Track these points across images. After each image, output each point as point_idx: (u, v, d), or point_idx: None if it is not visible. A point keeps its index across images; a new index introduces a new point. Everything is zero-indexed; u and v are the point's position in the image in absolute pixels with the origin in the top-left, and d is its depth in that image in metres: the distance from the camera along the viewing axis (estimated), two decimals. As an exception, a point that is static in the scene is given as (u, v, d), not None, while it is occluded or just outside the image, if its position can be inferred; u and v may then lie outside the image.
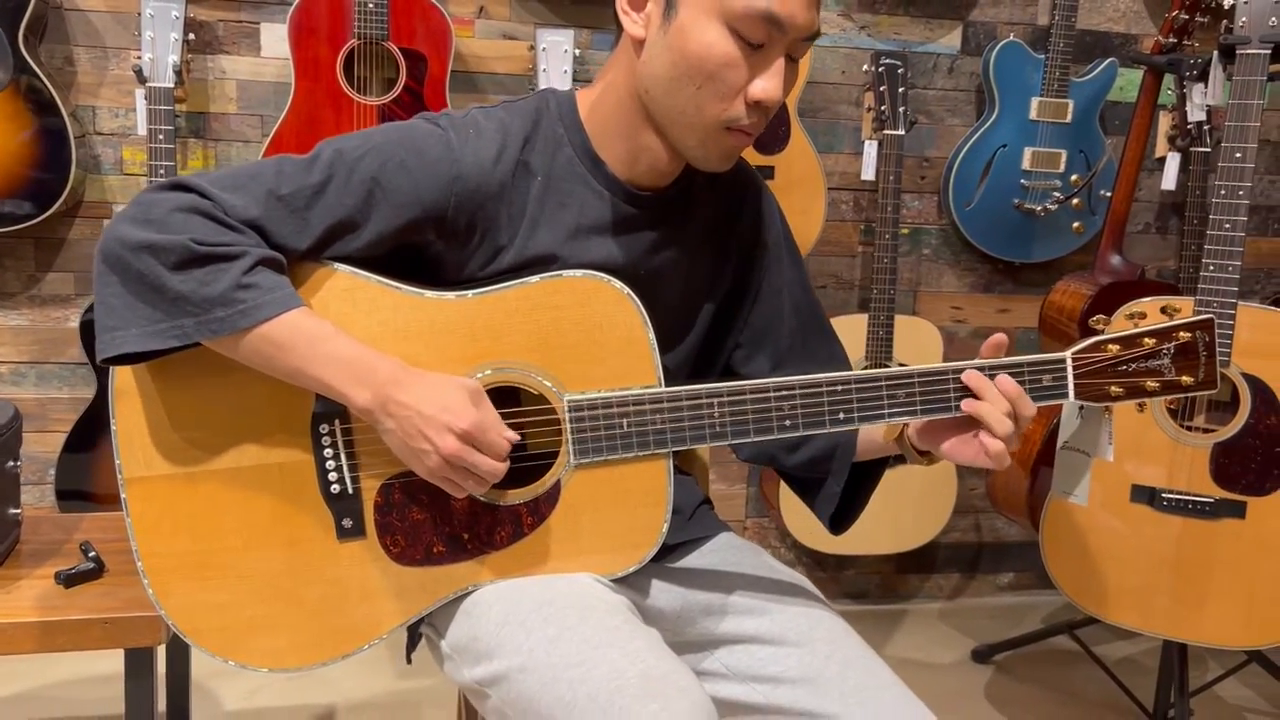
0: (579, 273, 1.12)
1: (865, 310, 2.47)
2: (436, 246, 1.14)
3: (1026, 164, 2.55)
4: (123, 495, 1.09)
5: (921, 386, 1.11)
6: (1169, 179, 2.55)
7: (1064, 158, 2.55)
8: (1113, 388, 1.13)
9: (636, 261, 1.20)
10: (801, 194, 2.42)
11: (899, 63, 2.38)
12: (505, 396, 1.12)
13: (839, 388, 1.11)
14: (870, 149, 2.46)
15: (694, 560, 1.28)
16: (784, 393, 1.11)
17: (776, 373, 1.31)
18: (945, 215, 2.65)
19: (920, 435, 1.15)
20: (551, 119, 1.18)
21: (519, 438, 1.07)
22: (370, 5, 2.16)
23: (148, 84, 2.09)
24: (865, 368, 2.50)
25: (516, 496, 1.12)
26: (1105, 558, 1.90)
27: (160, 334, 1.02)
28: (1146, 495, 1.87)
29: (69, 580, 1.36)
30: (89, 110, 2.26)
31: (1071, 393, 1.12)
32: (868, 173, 2.47)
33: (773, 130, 2.38)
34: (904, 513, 2.53)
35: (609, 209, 1.18)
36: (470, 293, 1.11)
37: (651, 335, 1.12)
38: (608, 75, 1.16)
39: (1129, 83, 2.66)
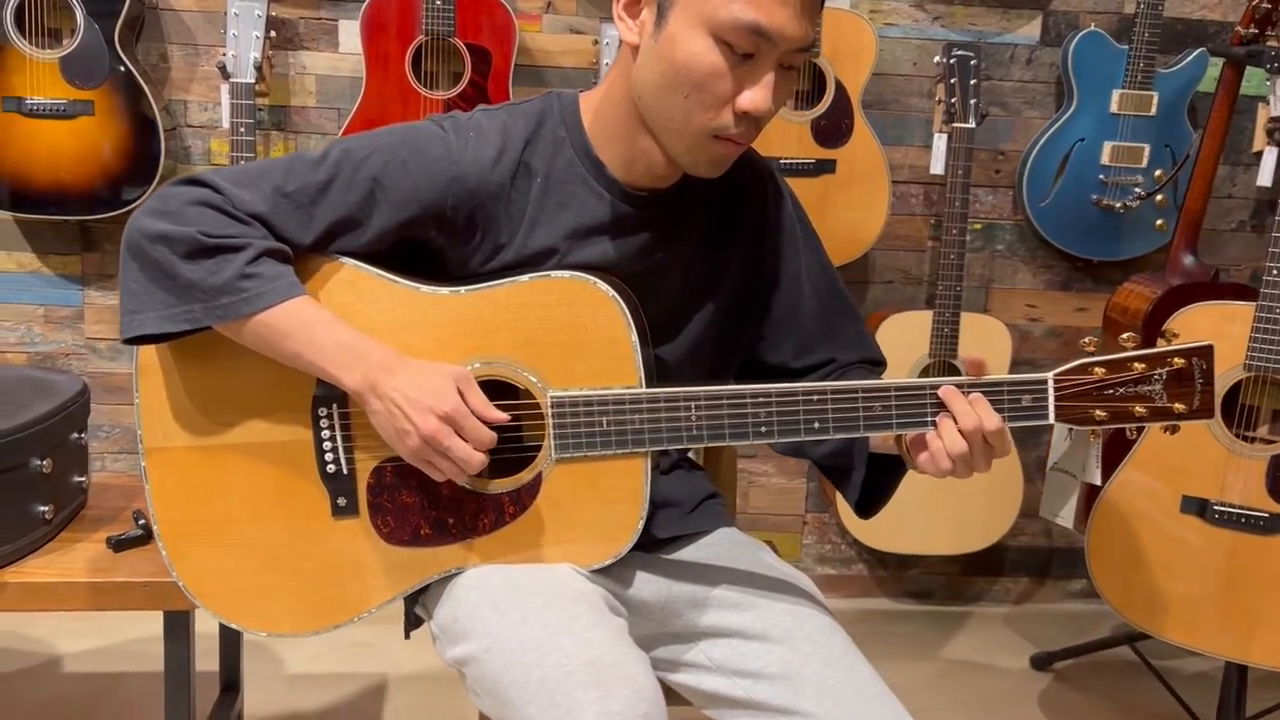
0: (566, 274, 1.16)
1: (932, 307, 2.43)
2: (439, 242, 1.19)
3: (1106, 159, 2.46)
4: (143, 464, 1.18)
5: (898, 401, 1.11)
6: (1265, 174, 2.42)
7: (1147, 152, 2.46)
8: (1097, 412, 1.11)
9: (633, 260, 1.23)
10: (864, 188, 2.40)
11: (971, 54, 2.33)
12: (499, 391, 1.17)
13: (814, 398, 1.12)
14: (939, 142, 2.42)
15: (689, 553, 1.31)
16: (761, 400, 1.12)
17: (803, 358, 1.32)
18: (1020, 211, 2.58)
19: (910, 442, 1.15)
20: (555, 121, 1.21)
21: (507, 418, 1.11)
22: (437, 2, 2.23)
23: (230, 79, 2.22)
24: (928, 365, 2.47)
25: (499, 486, 1.17)
26: (1153, 570, 1.84)
27: (174, 318, 1.10)
28: (1197, 507, 1.80)
29: (118, 545, 1.47)
30: (181, 104, 2.41)
31: (1052, 414, 1.11)
32: (936, 166, 2.42)
33: (835, 123, 2.37)
34: (968, 514, 2.49)
35: (608, 210, 1.21)
36: (463, 289, 1.16)
37: (634, 337, 1.15)
38: (609, 78, 1.19)
39: (1223, 73, 2.53)
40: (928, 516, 2.49)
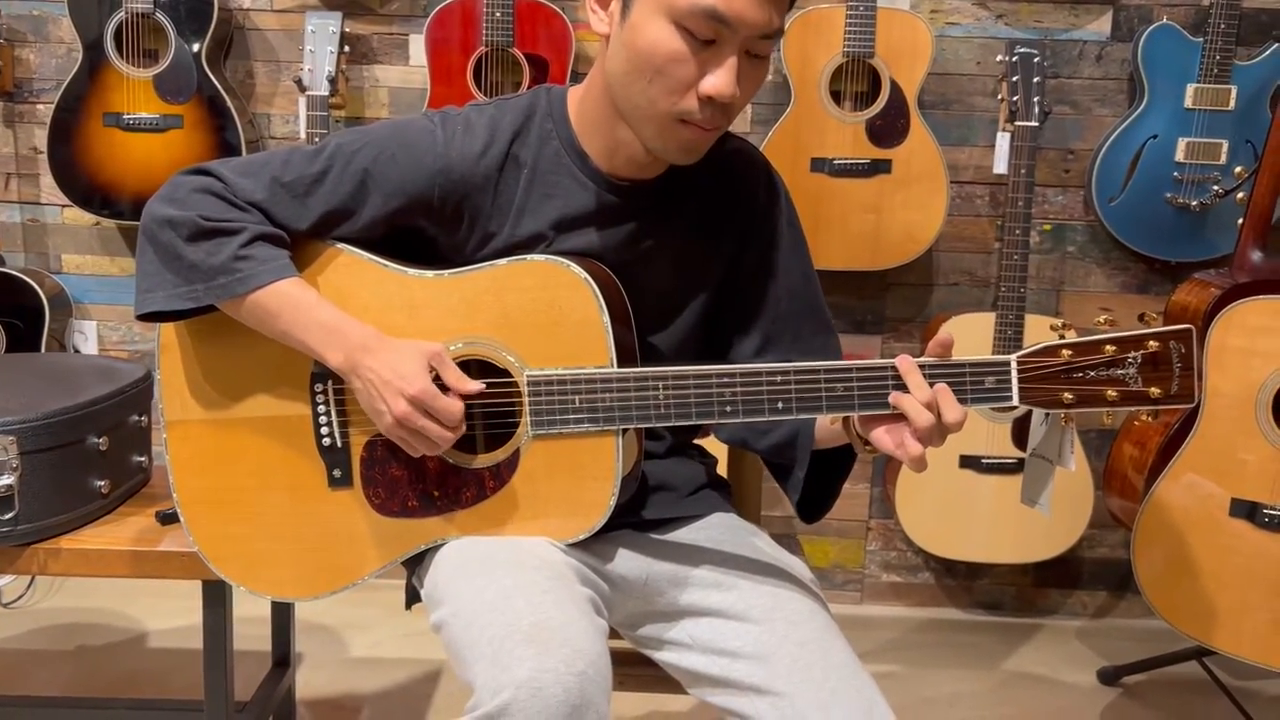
0: (541, 257, 1.21)
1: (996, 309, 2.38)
2: (431, 231, 1.26)
3: (1180, 155, 2.37)
4: (163, 436, 1.28)
5: (860, 381, 1.11)
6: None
7: (1225, 148, 2.36)
8: (1065, 394, 1.09)
9: (619, 249, 1.27)
10: (921, 189, 2.37)
11: (1034, 51, 2.29)
12: (483, 371, 1.22)
13: (778, 378, 1.13)
14: (1002, 141, 2.37)
15: (678, 534, 1.34)
16: (725, 379, 1.15)
17: (762, 354, 1.33)
18: (1091, 211, 2.51)
19: (862, 423, 1.15)
20: (542, 114, 1.27)
21: (481, 386, 1.16)
22: (497, 14, 2.32)
23: (307, 93, 2.35)
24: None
25: (480, 461, 1.22)
26: (1202, 575, 1.77)
27: (180, 296, 1.20)
28: (1246, 510, 1.72)
29: (165, 519, 1.59)
30: (265, 117, 2.57)
31: (1016, 397, 1.09)
32: (999, 166, 2.38)
33: (890, 123, 2.35)
34: (1033, 521, 2.42)
35: (593, 199, 1.25)
36: (447, 272, 1.22)
37: (606, 318, 1.19)
38: (591, 72, 1.24)
39: (1313, 64, 2.41)
40: (989, 523, 2.43)
